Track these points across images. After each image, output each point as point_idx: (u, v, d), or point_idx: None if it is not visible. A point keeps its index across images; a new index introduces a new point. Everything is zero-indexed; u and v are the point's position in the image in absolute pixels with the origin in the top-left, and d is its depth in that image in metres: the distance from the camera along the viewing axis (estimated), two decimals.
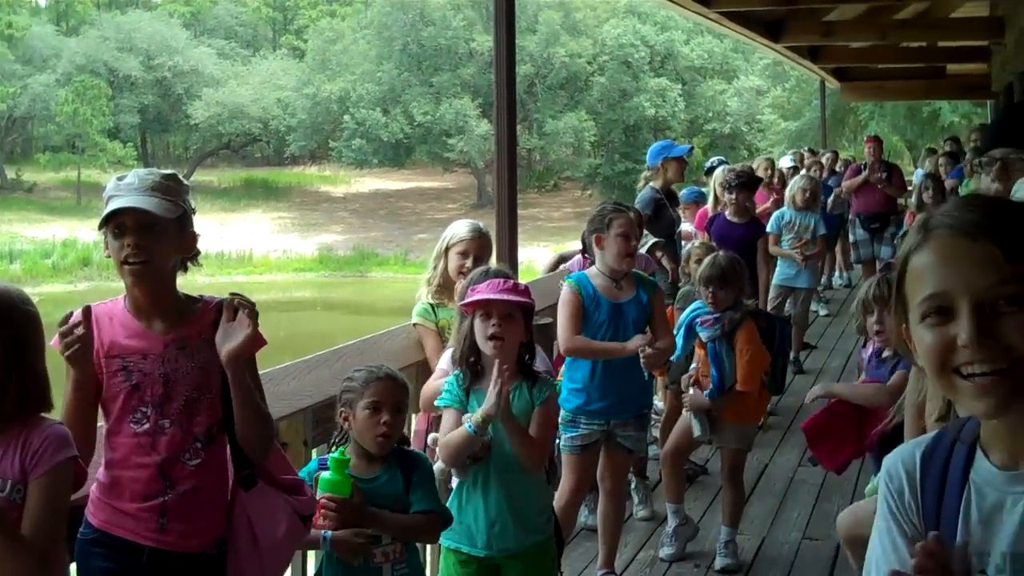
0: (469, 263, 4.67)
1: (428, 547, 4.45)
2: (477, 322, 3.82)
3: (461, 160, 47.48)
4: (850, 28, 13.94)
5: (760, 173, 10.63)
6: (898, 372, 4.68)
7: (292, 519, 3.12)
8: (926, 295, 1.65)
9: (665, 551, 5.89)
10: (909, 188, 14.13)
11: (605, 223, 5.14)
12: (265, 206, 50.08)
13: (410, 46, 48.82)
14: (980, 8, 14.42)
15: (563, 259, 7.19)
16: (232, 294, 3.05)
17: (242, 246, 43.28)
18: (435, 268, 4.89)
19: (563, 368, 5.29)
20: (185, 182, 3.11)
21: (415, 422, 4.71)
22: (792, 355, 10.09)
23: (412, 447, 4.04)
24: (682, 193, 8.92)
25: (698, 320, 5.66)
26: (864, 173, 12.93)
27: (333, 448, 3.60)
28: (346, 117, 47.89)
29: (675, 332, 5.72)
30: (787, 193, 10.30)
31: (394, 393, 3.51)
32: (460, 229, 4.88)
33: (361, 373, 3.54)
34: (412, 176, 53.16)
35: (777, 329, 5.89)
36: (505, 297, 3.78)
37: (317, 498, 3.32)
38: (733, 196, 8.06)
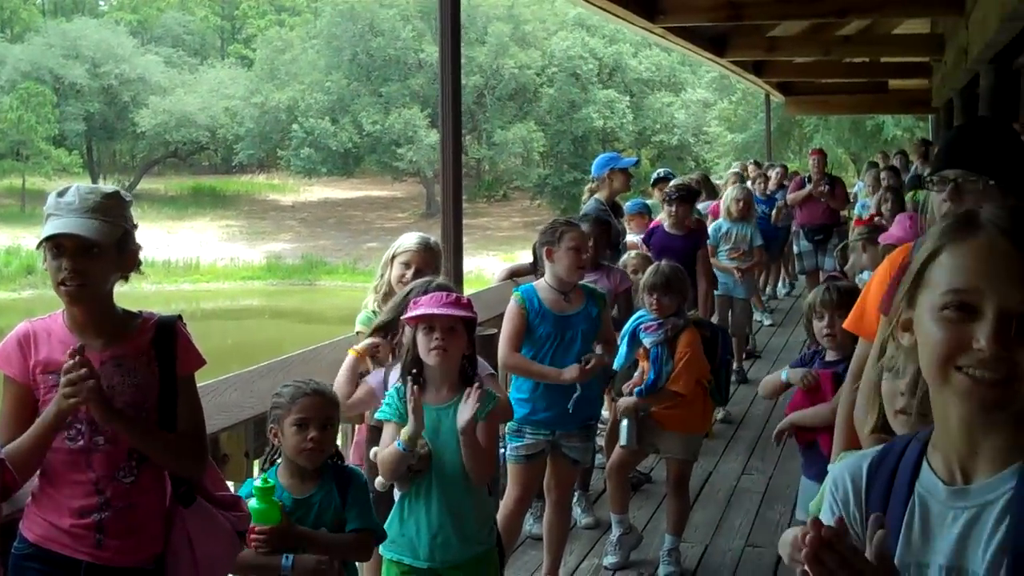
0: (410, 274, 4.67)
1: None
2: (420, 335, 3.84)
3: (410, 169, 47.37)
4: (794, 44, 14.08)
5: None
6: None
7: (230, 535, 3.13)
8: (953, 287, 1.62)
9: (609, 560, 5.94)
10: (852, 200, 14.35)
11: (556, 236, 5.18)
12: (213, 214, 49.70)
13: (359, 56, 48.67)
14: (921, 26, 14.65)
15: (514, 273, 7.18)
16: None
17: (189, 254, 42.90)
18: (382, 276, 4.88)
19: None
20: (127, 198, 3.08)
21: (357, 432, 4.73)
22: (736, 365, 10.21)
23: (350, 460, 4.06)
24: (627, 205, 8.98)
25: (641, 326, 5.74)
26: (808, 186, 13.11)
27: (267, 466, 3.60)
28: (295, 126, 47.64)
29: (619, 340, 5.79)
30: (722, 204, 10.42)
31: (321, 408, 3.49)
32: (408, 240, 4.88)
33: (288, 389, 3.53)
34: (361, 185, 52.97)
35: (720, 340, 5.98)
36: (448, 311, 3.80)
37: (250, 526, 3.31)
38: (673, 208, 8.13)
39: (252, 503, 3.34)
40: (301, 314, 36.91)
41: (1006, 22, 6.70)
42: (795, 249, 13.87)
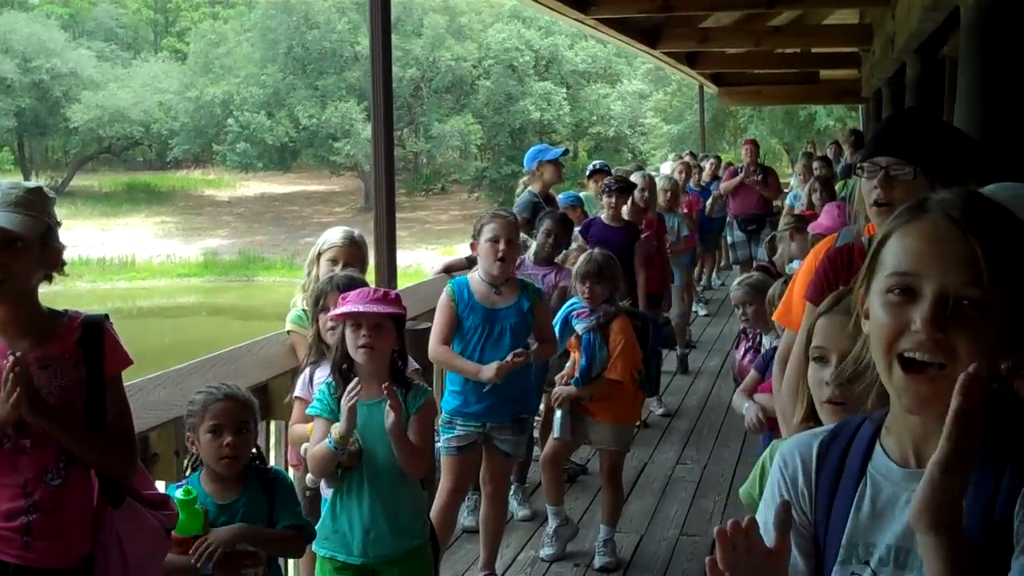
0: (338, 270, 4.67)
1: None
2: (348, 332, 3.84)
3: (348, 163, 47.12)
4: (726, 35, 14.18)
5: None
6: None
7: (159, 535, 3.11)
8: (897, 270, 1.64)
9: (545, 551, 5.97)
10: (785, 190, 14.51)
11: (478, 228, 5.21)
12: (148, 211, 49.09)
13: (295, 49, 48.29)
14: (851, 16, 14.84)
15: (450, 268, 7.20)
16: None
17: (124, 251, 42.36)
18: (309, 274, 4.87)
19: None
20: (51, 195, 3.04)
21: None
22: (679, 351, 10.33)
23: (289, 457, 4.04)
24: (560, 197, 9.03)
25: (574, 313, 5.79)
26: (740, 175, 13.26)
27: (188, 472, 3.58)
28: (230, 120, 47.18)
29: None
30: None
31: (235, 413, 3.45)
32: (333, 236, 4.87)
33: (200, 396, 3.49)
34: (298, 180, 52.60)
35: (651, 330, 6.04)
36: (374, 309, 3.81)
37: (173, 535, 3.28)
38: (612, 200, 8.18)
39: None
40: (239, 310, 36.60)
41: (928, 11, 6.80)
42: (728, 239, 14.01)
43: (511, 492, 6.33)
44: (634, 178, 9.09)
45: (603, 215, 8.28)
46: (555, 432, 5.76)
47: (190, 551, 3.29)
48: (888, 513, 1.73)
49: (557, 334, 5.75)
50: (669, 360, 10.08)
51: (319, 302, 4.34)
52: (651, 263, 8.47)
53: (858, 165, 3.09)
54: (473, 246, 5.25)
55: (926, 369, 1.60)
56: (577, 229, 8.55)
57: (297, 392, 4.36)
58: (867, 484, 1.76)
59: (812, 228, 6.04)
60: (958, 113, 5.34)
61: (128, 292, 38.69)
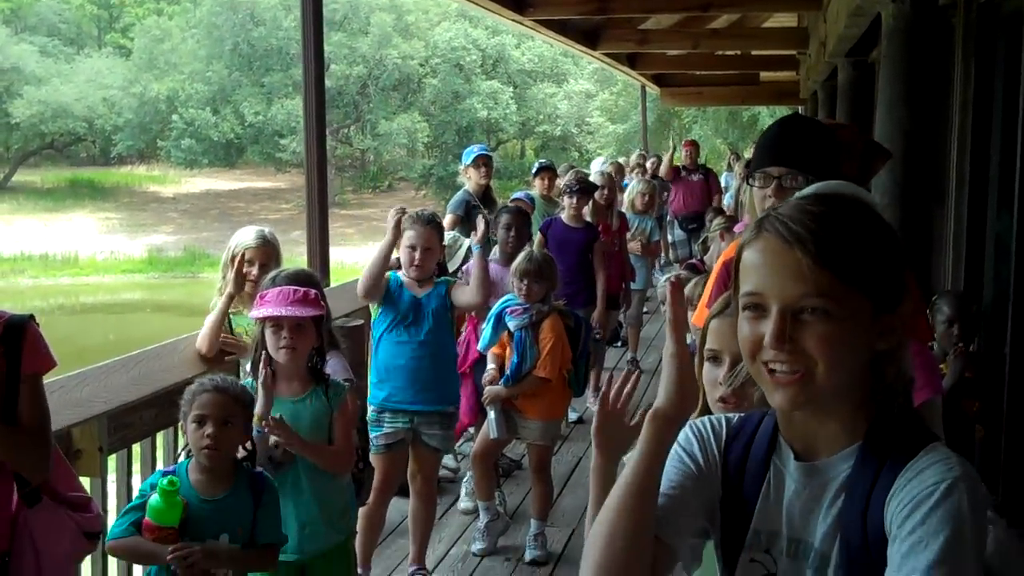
0: (255, 271, 4.70)
1: None
2: (268, 333, 3.87)
3: (294, 160, 46.77)
4: (665, 36, 14.21)
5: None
6: None
7: (76, 537, 3.11)
8: (746, 291, 1.71)
9: (477, 546, 6.04)
10: (725, 190, 14.71)
11: (402, 232, 5.34)
12: (92, 206, 48.49)
13: (240, 46, 47.93)
14: (789, 20, 15.02)
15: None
16: None
17: (68, 248, 41.78)
18: (224, 277, 4.87)
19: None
20: None
21: None
22: (630, 355, 10.44)
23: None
24: (512, 196, 9.11)
25: (507, 310, 5.86)
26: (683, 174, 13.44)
27: (179, 458, 3.61)
28: (175, 117, 46.76)
29: (485, 323, 5.92)
30: (626, 197, 10.65)
31: (220, 406, 3.45)
32: (245, 237, 4.88)
33: (193, 386, 3.51)
34: (244, 176, 52.21)
35: (583, 331, 6.12)
36: (296, 312, 3.85)
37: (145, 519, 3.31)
38: (573, 201, 8.23)
39: (153, 498, 3.33)
40: (184, 307, 36.23)
41: (853, 17, 6.92)
42: (669, 238, 14.15)
43: (463, 481, 6.56)
44: (593, 177, 9.19)
45: (563, 215, 8.33)
46: (491, 433, 5.83)
47: (170, 549, 3.30)
48: (786, 504, 1.79)
49: (490, 329, 5.85)
50: (612, 358, 10.22)
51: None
52: (610, 263, 8.55)
53: (750, 173, 3.19)
54: (398, 245, 5.36)
55: (789, 375, 1.68)
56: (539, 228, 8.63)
57: None
58: (771, 475, 1.82)
59: (738, 229, 6.15)
60: (880, 117, 5.47)
61: (72, 288, 38.21)
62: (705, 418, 1.95)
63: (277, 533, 3.61)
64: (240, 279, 4.74)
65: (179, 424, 3.58)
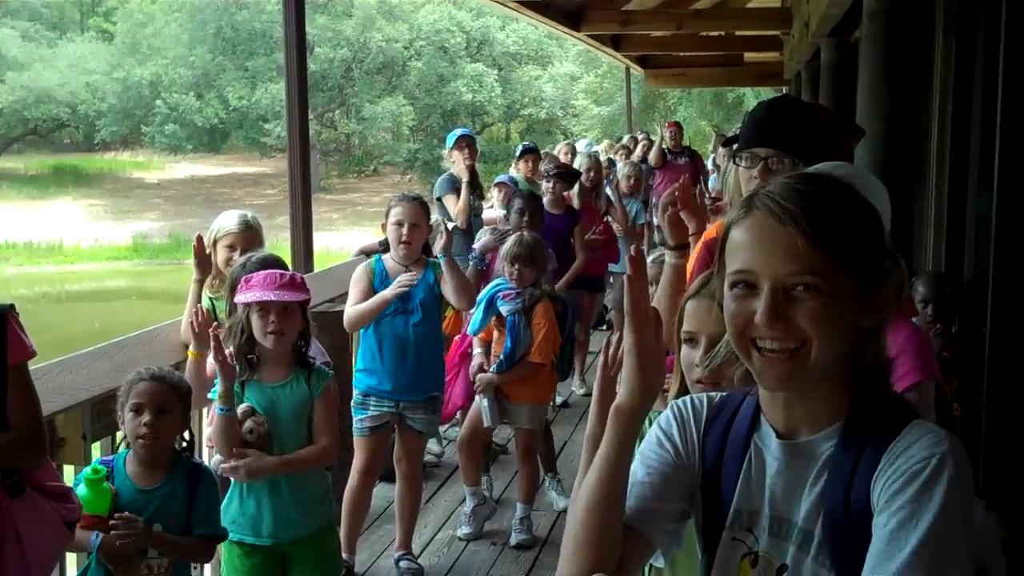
0: (237, 255, 4.67)
1: None
2: (254, 317, 3.87)
3: (278, 145, 46.61)
4: (648, 17, 14.18)
5: (561, 158, 10.91)
6: None
7: (59, 526, 3.10)
8: (735, 269, 1.72)
9: (463, 530, 6.06)
10: (710, 171, 14.70)
11: (386, 211, 5.32)
12: (76, 193, 48.27)
13: (224, 30, 47.72)
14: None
15: (365, 252, 7.24)
16: None
17: (52, 235, 41.58)
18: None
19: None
20: None
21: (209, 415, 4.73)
22: (616, 338, 10.41)
23: (206, 442, 4.06)
24: (496, 179, 9.11)
25: (499, 294, 5.86)
26: (668, 157, 13.42)
27: (118, 449, 3.60)
28: (158, 102, 46.55)
29: (475, 306, 5.92)
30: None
31: (158, 394, 3.44)
32: (227, 222, 4.86)
33: (131, 375, 3.49)
34: (229, 161, 52.03)
35: (569, 316, 6.14)
36: (283, 297, 3.85)
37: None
38: (552, 186, 8.22)
39: (80, 490, 3.31)
40: (169, 294, 36.08)
41: None
42: (654, 221, 14.14)
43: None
44: (579, 160, 9.17)
45: (544, 200, 8.32)
46: (485, 420, 5.84)
47: (110, 524, 3.30)
48: (769, 483, 1.80)
49: (480, 312, 5.85)
50: (597, 342, 10.24)
51: (236, 288, 4.35)
52: (596, 247, 8.55)
53: (736, 153, 3.19)
54: (383, 227, 5.33)
55: (779, 353, 1.70)
56: (497, 212, 8.63)
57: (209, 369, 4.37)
58: (752, 454, 1.83)
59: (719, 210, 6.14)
60: (861, 98, 5.47)
61: (57, 276, 38.05)
62: (687, 397, 1.96)
63: (214, 525, 3.60)
64: (205, 263, 4.71)
65: (116, 416, 3.53)
